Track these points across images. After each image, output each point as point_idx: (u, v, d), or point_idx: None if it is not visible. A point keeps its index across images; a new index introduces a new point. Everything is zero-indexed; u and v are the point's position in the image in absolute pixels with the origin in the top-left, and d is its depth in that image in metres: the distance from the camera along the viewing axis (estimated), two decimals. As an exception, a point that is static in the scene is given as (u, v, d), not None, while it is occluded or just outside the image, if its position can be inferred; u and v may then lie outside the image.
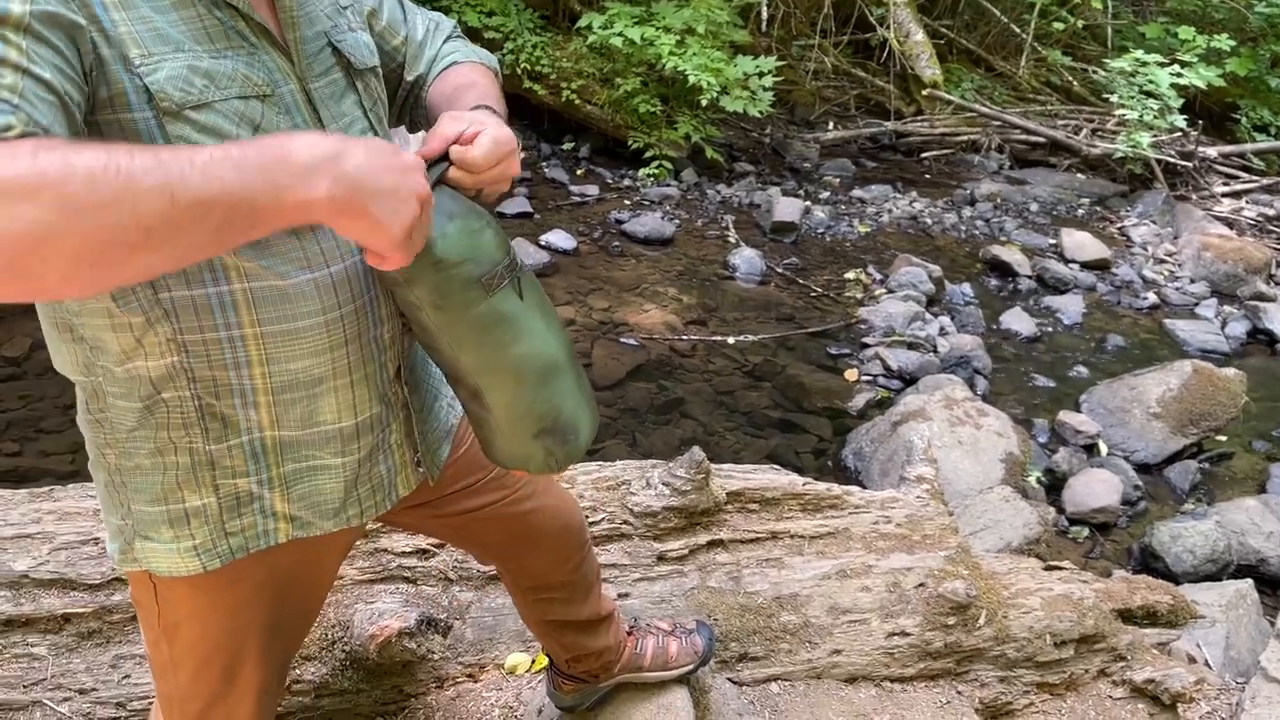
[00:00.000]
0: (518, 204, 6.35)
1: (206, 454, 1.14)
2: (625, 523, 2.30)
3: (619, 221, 6.36)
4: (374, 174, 0.92)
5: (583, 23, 6.94)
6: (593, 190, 6.85)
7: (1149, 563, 3.70)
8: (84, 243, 0.77)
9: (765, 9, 7.70)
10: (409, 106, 1.43)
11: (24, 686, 1.87)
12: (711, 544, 2.36)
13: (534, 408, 1.23)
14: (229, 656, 1.27)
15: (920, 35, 8.55)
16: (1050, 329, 5.63)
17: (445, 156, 1.12)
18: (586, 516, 2.25)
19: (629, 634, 2.00)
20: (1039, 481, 4.03)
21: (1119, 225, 7.37)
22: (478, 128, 1.13)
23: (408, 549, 2.15)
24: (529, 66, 7.05)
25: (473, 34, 6.99)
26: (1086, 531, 3.88)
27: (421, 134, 1.16)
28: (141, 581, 1.23)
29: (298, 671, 1.96)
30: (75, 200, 0.75)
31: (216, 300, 1.07)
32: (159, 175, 0.80)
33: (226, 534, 1.18)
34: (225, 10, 1.04)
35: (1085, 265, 6.49)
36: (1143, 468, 4.32)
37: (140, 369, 1.09)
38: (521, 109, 7.52)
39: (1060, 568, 2.76)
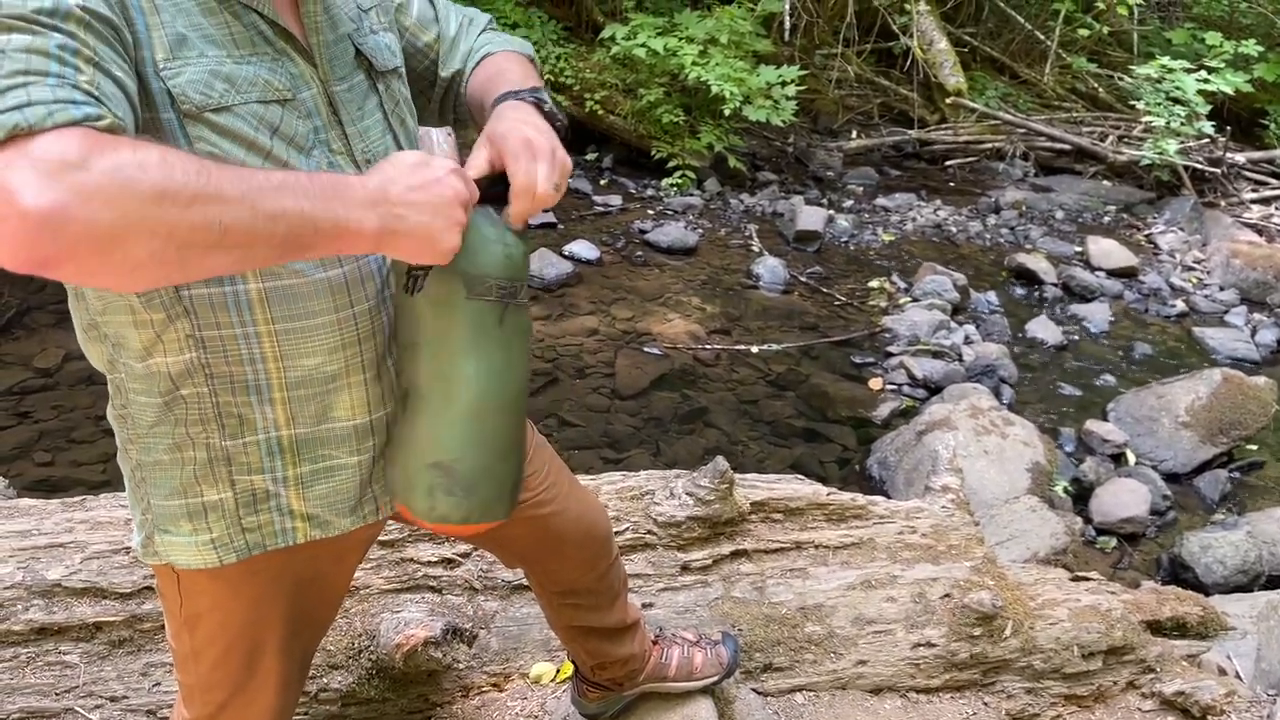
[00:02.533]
0: (541, 215, 6.37)
1: (223, 450, 1.16)
2: (649, 533, 2.30)
3: (642, 231, 6.37)
4: (416, 208, 1.00)
5: (606, 34, 6.97)
6: (616, 200, 6.87)
7: (1178, 573, 3.66)
8: (169, 237, 0.83)
9: (788, 19, 7.71)
10: (450, 103, 1.45)
11: (56, 694, 1.89)
12: (735, 554, 2.36)
13: (444, 435, 1.18)
14: (249, 647, 1.29)
15: (943, 43, 8.53)
16: (1077, 337, 5.59)
17: (502, 178, 1.13)
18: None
19: (654, 643, 2.00)
20: (1066, 491, 4.00)
21: (1146, 232, 7.31)
22: (542, 161, 1.13)
23: (434, 559, 2.16)
24: (552, 78, 7.08)
25: (496, 46, 7.04)
26: (1114, 542, 3.84)
27: (443, 136, 1.16)
28: (165, 573, 1.26)
29: (324, 680, 1.98)
30: (170, 196, 0.82)
31: (232, 298, 1.09)
32: (241, 186, 0.87)
33: (243, 529, 1.20)
34: (251, 16, 1.07)
35: (1112, 273, 6.44)
36: (1171, 477, 4.28)
37: (160, 365, 1.12)
38: (545, 120, 7.56)
39: (1088, 578, 2.74)
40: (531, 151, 1.13)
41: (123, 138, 0.84)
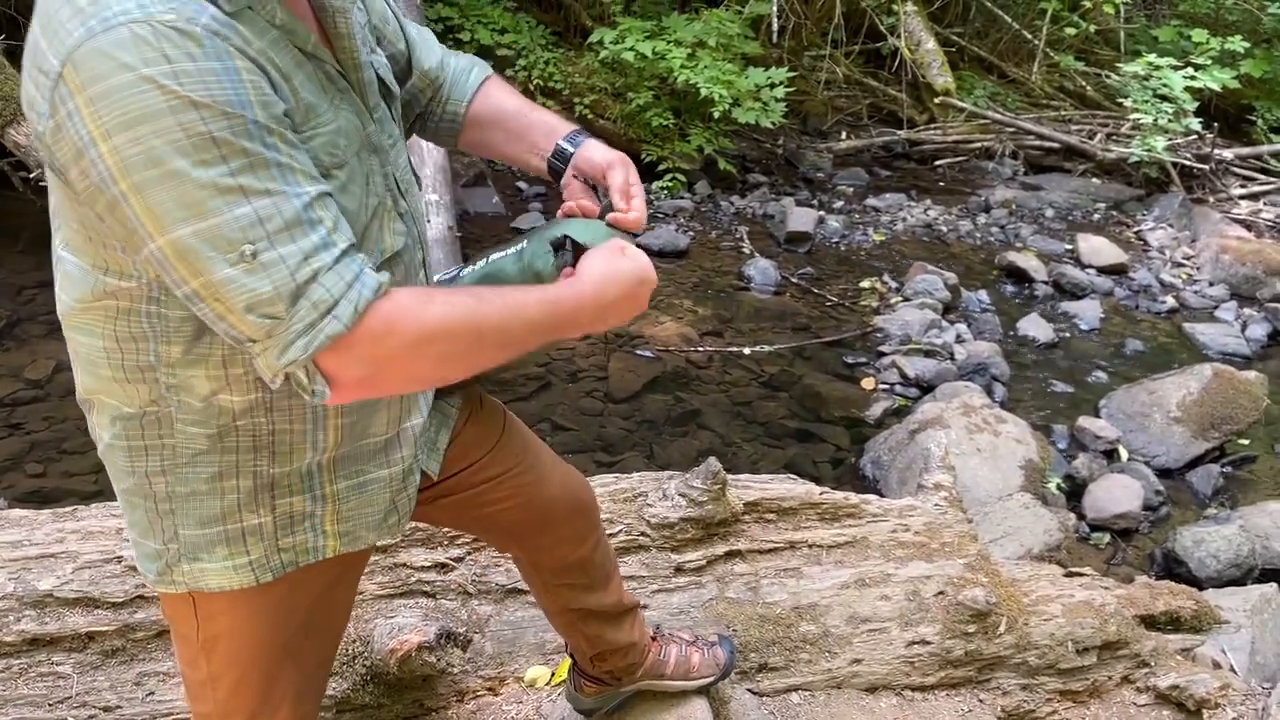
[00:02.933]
0: (531, 219, 6.38)
1: (269, 476, 1.17)
2: (642, 534, 2.30)
3: (634, 235, 6.36)
4: (625, 311, 1.22)
5: (594, 38, 6.98)
6: (606, 204, 6.87)
7: (1172, 568, 3.67)
8: (470, 362, 1.08)
9: (776, 21, 7.72)
10: (428, 116, 1.47)
11: (49, 705, 1.89)
12: (729, 554, 2.36)
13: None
14: (267, 666, 1.29)
15: (931, 43, 8.56)
16: (1068, 334, 5.60)
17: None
18: (604, 528, 2.26)
19: (653, 640, 2.00)
20: (1059, 488, 4.01)
21: (1135, 229, 7.34)
22: (635, 193, 1.35)
23: (427, 564, 2.16)
24: (541, 82, 7.09)
25: (485, 51, 7.04)
26: (1108, 538, 3.85)
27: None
28: (180, 600, 1.24)
29: (319, 687, 1.97)
30: (480, 338, 1.06)
31: None
32: (521, 315, 1.10)
33: (279, 549, 1.21)
34: (316, 62, 1.06)
35: (1102, 270, 6.46)
36: (1164, 472, 4.29)
37: (224, 401, 1.11)
38: (535, 125, 7.56)
39: (1081, 574, 2.75)
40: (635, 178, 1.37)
41: (427, 300, 1.03)
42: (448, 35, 6.98)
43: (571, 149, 1.40)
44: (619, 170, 1.36)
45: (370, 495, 1.27)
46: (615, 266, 1.20)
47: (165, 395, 1.11)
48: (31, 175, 4.87)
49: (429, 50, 1.43)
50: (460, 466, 1.47)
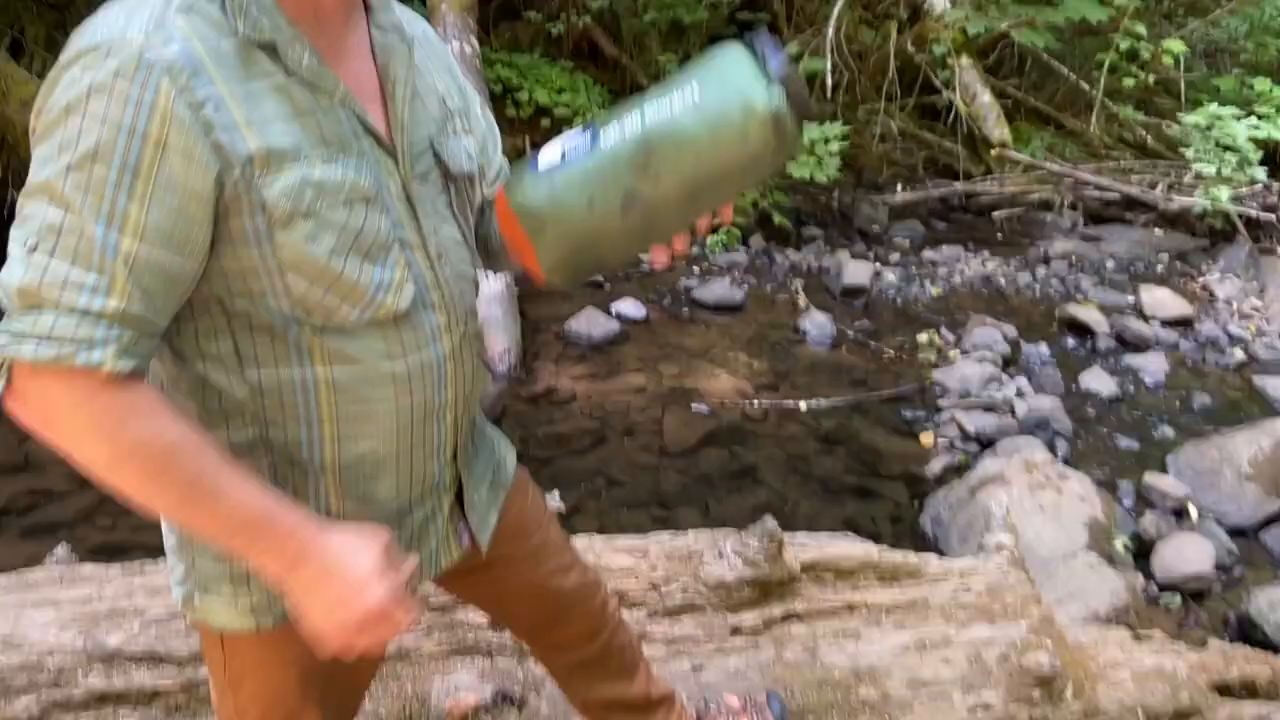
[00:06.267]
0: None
1: None
2: (699, 594, 2.29)
3: (688, 288, 6.41)
4: (325, 610, 1.11)
5: (650, 96, 7.08)
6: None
7: (1247, 632, 3.54)
8: (134, 496, 1.03)
9: (830, 77, 7.78)
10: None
11: (115, 759, 1.92)
12: (787, 616, 2.34)
13: None
14: (289, 708, 1.32)
15: (987, 96, 8.54)
16: (1132, 389, 5.49)
17: None
18: (659, 587, 2.27)
19: None
20: (1125, 547, 3.91)
21: (1201, 281, 7.20)
22: None
23: (484, 622, 2.17)
24: (598, 140, 7.20)
25: (543, 111, 7.19)
26: (1179, 599, 3.73)
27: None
28: (211, 634, 1.29)
29: (377, 745, 1.98)
30: (146, 463, 1.01)
31: (299, 380, 1.13)
32: (195, 506, 1.04)
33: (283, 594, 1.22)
34: (341, 112, 1.11)
35: (1166, 322, 6.33)
36: (1237, 531, 4.16)
37: (222, 437, 1.14)
38: (591, 181, 7.67)
39: (1151, 638, 2.67)
40: None
41: (121, 394, 1.00)
42: (507, 96, 7.14)
43: None
44: None
45: None
46: (357, 581, 1.09)
47: None
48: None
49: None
50: (495, 555, 1.48)
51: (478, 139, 1.39)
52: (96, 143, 0.97)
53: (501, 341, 4.95)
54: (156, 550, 3.20)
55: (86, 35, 1.00)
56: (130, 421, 1.01)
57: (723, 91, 1.05)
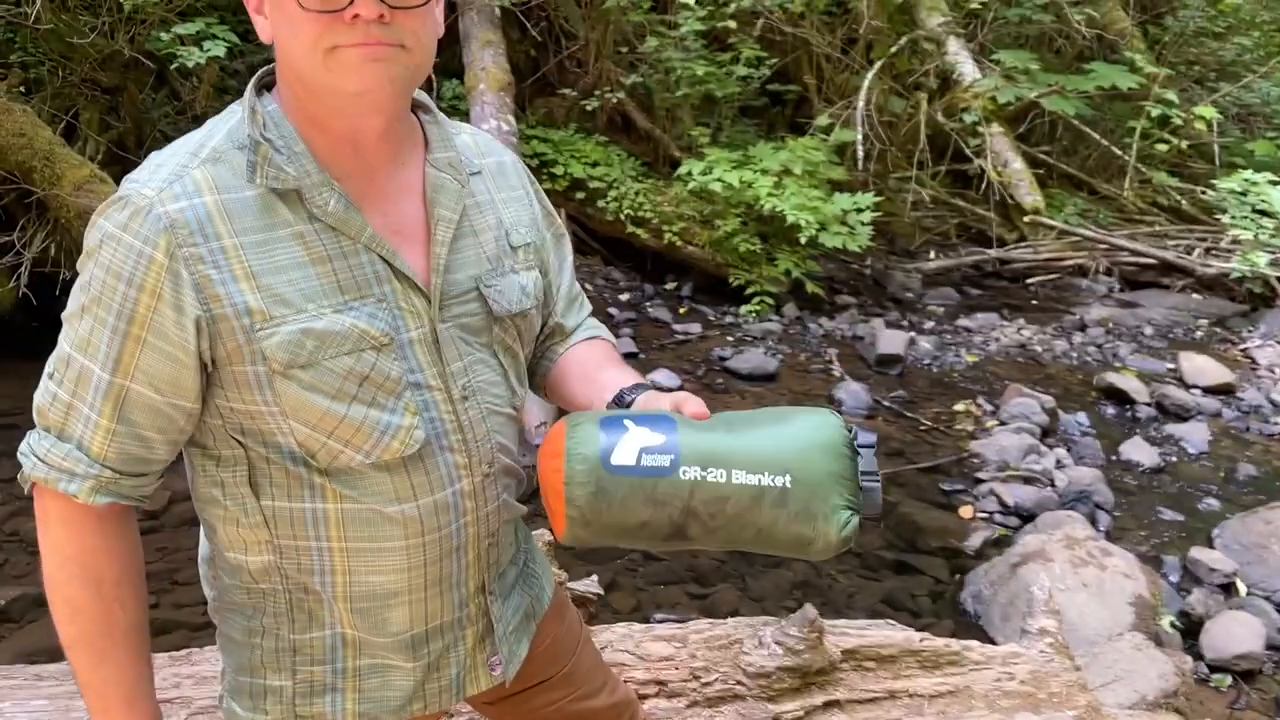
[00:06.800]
0: (623, 344, 6.49)
1: (290, 642, 1.23)
2: (739, 683, 2.28)
3: (722, 358, 6.44)
4: None
5: (682, 170, 7.20)
6: (695, 328, 6.96)
7: (1301, 715, 3.45)
8: (55, 604, 1.16)
9: (861, 147, 7.87)
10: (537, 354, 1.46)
11: None
12: (828, 704, 2.32)
13: None
14: None
15: (1018, 163, 8.58)
16: (1174, 459, 5.42)
17: None
18: (698, 676, 2.25)
19: None
20: (1173, 626, 3.83)
21: (1242, 347, 7.12)
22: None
23: None
24: (631, 212, 7.31)
25: (578, 184, 7.31)
26: (1229, 680, 3.64)
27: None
28: None
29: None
30: (71, 597, 1.15)
31: (310, 514, 1.16)
32: (87, 652, 1.17)
33: (297, 717, 1.25)
34: (367, 256, 1.12)
35: (1208, 390, 6.26)
36: (1287, 608, 4.07)
37: (241, 561, 1.20)
38: (625, 252, 7.76)
39: (1202, 727, 2.61)
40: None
41: (101, 530, 1.14)
42: (542, 170, 7.27)
43: (630, 397, 1.26)
44: (693, 401, 1.21)
45: (391, 680, 1.27)
46: None
47: (210, 535, 1.25)
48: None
49: (575, 312, 1.47)
50: (529, 683, 1.46)
51: (543, 267, 1.36)
52: (102, 288, 1.06)
53: (537, 415, 4.99)
54: (199, 628, 3.24)
55: (124, 183, 1.09)
56: (84, 555, 1.13)
57: (809, 503, 1.10)
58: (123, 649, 1.17)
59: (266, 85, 1.15)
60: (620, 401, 1.25)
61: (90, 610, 1.14)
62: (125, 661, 1.17)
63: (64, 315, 1.10)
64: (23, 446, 1.13)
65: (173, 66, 6.01)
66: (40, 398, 1.12)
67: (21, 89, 5.80)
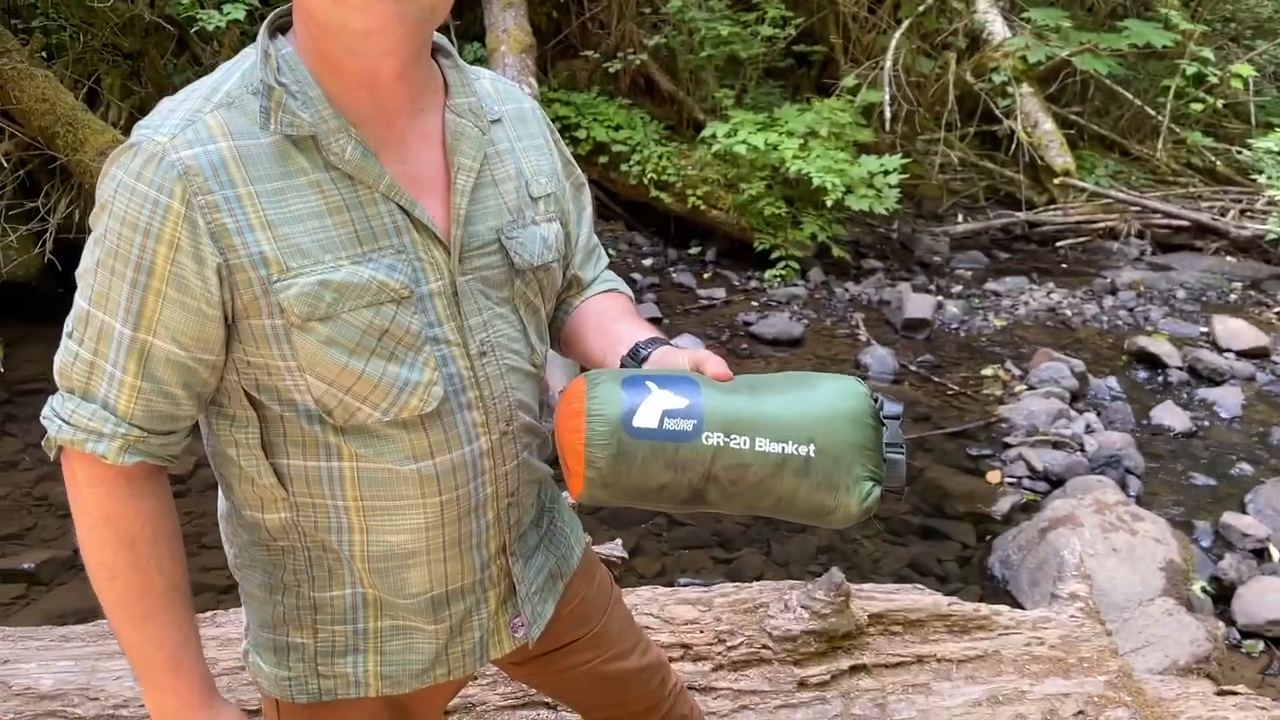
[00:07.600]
0: (647, 309, 6.46)
1: (311, 600, 1.21)
2: (765, 647, 2.26)
3: (747, 323, 6.39)
4: None
5: (706, 133, 7.11)
6: (720, 293, 6.91)
7: (1336, 681, 3.41)
8: (92, 569, 1.13)
9: (888, 108, 7.74)
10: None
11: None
12: (854, 669, 2.30)
13: None
14: None
15: (1049, 124, 8.43)
16: (1206, 423, 5.34)
17: None
18: (724, 639, 2.24)
19: None
20: (1205, 591, 3.79)
21: (1277, 310, 6.99)
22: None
23: (548, 674, 2.16)
24: (655, 176, 7.24)
25: (601, 148, 7.24)
26: (1261, 645, 3.60)
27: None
28: (264, 692, 1.31)
29: (442, 800, 1.98)
30: (108, 560, 1.12)
31: (326, 473, 1.14)
32: (127, 614, 1.14)
33: (319, 675, 1.24)
34: (385, 206, 1.09)
35: (1241, 354, 6.16)
36: (1321, 574, 4.01)
37: (258, 518, 1.18)
38: (649, 216, 7.70)
39: (1235, 693, 2.57)
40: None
41: (132, 491, 1.11)
42: (565, 134, 7.21)
43: (646, 351, 1.22)
44: (713, 360, 1.17)
45: (413, 642, 1.25)
46: None
47: (227, 493, 1.23)
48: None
49: (593, 264, 1.44)
50: (557, 644, 1.44)
51: (563, 217, 1.33)
52: (118, 240, 1.02)
53: (560, 380, 4.98)
54: (225, 590, 3.26)
55: (135, 130, 1.05)
56: (115, 517, 1.10)
57: (831, 473, 1.08)
58: (162, 610, 1.14)
59: (281, 28, 1.11)
60: (635, 355, 1.21)
61: (127, 573, 1.12)
62: (166, 622, 1.15)
63: (78, 272, 1.07)
64: (46, 410, 1.10)
65: (193, 30, 5.98)
66: (61, 358, 1.08)
67: (43, 54, 5.79)
